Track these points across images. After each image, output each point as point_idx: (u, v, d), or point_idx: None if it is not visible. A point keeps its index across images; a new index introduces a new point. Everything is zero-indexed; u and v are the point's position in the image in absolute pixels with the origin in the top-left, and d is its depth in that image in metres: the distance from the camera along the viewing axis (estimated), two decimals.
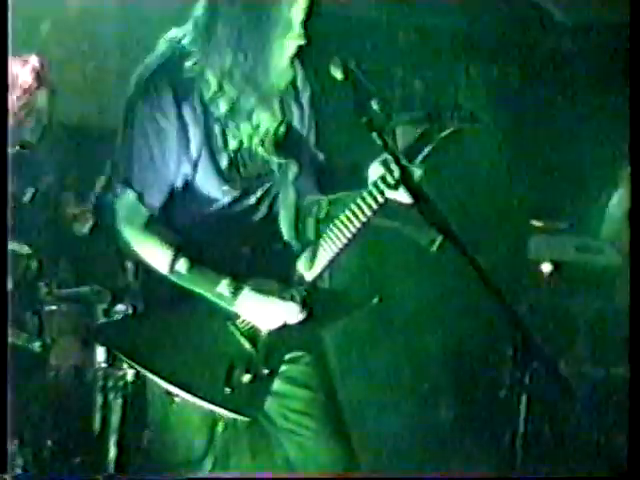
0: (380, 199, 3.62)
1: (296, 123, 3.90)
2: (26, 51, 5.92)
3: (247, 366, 3.68)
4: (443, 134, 3.71)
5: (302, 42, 3.62)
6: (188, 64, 3.63)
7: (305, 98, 3.92)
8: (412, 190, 3.44)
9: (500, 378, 5.46)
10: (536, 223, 6.99)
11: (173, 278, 3.64)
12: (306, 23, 3.62)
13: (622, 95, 7.48)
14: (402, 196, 3.60)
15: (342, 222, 3.67)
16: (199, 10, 3.65)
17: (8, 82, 4.42)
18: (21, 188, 5.26)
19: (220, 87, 3.64)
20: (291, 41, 3.61)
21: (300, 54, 3.68)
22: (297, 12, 3.58)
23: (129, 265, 3.89)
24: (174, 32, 3.73)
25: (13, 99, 5.52)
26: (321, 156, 4.03)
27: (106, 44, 6.44)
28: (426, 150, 3.67)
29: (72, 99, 5.93)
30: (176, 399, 3.69)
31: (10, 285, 4.92)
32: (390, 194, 3.62)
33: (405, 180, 3.50)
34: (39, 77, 5.61)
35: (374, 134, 3.41)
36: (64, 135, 5.72)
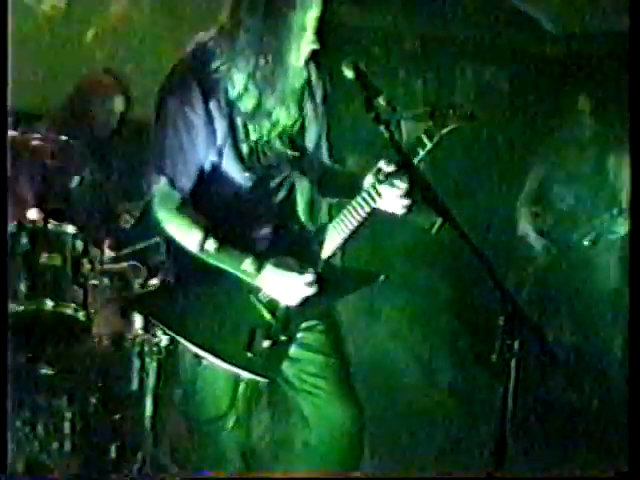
0: (372, 204, 3.62)
1: (311, 119, 3.85)
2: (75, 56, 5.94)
3: (267, 333, 3.67)
4: (444, 131, 3.67)
5: (316, 46, 3.58)
6: (214, 66, 3.60)
7: (319, 96, 3.86)
8: (414, 178, 3.42)
9: (492, 345, 5.41)
10: (534, 209, 6.94)
11: (202, 256, 3.62)
12: (320, 29, 3.58)
13: (606, 99, 7.50)
14: (392, 206, 3.66)
15: (353, 207, 3.66)
16: (223, 17, 3.62)
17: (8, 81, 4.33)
18: (70, 176, 5.25)
19: (245, 87, 3.61)
20: (306, 45, 3.57)
21: (315, 57, 3.64)
22: (311, 19, 3.54)
23: (163, 242, 3.85)
24: (201, 36, 3.71)
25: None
26: (329, 162, 3.98)
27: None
28: (429, 145, 3.63)
29: None
30: (203, 362, 3.71)
31: (58, 261, 4.93)
32: (380, 201, 3.62)
33: (407, 169, 3.48)
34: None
35: (381, 127, 3.38)
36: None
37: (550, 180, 6.60)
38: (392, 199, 3.63)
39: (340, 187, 3.88)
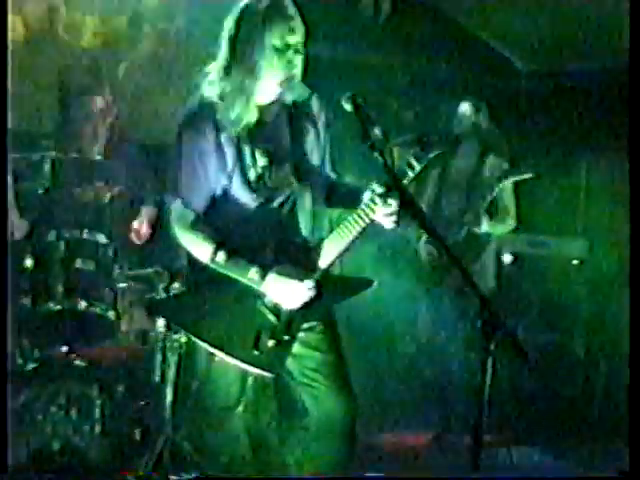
0: (369, 217, 3.59)
1: (313, 145, 3.82)
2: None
3: (272, 334, 3.64)
4: (431, 155, 3.66)
5: (301, 55, 3.59)
6: (221, 100, 3.61)
7: (321, 124, 3.83)
8: (404, 198, 3.39)
9: (471, 345, 5.38)
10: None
11: (213, 266, 3.60)
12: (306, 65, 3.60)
13: (570, 126, 7.50)
14: (384, 220, 3.61)
15: (349, 223, 3.63)
16: (223, 54, 3.63)
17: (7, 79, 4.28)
18: (103, 191, 5.22)
19: (239, 111, 3.59)
20: (295, 56, 3.58)
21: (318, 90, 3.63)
22: (297, 34, 3.56)
23: (183, 253, 3.83)
24: (208, 70, 3.69)
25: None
26: (333, 175, 3.94)
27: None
28: (418, 167, 3.61)
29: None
30: (216, 358, 3.68)
31: (91, 266, 4.90)
32: (374, 215, 3.58)
33: (399, 190, 3.44)
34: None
35: (376, 154, 3.36)
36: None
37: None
38: (384, 215, 3.59)
39: (345, 199, 3.83)
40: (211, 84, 3.64)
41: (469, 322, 5.10)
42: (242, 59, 3.56)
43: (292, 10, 3.58)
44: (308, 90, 3.71)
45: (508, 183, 5.92)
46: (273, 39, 3.53)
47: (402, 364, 5.99)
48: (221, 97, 3.60)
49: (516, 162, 5.96)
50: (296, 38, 3.57)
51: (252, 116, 3.63)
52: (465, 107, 6.05)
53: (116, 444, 4.69)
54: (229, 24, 3.62)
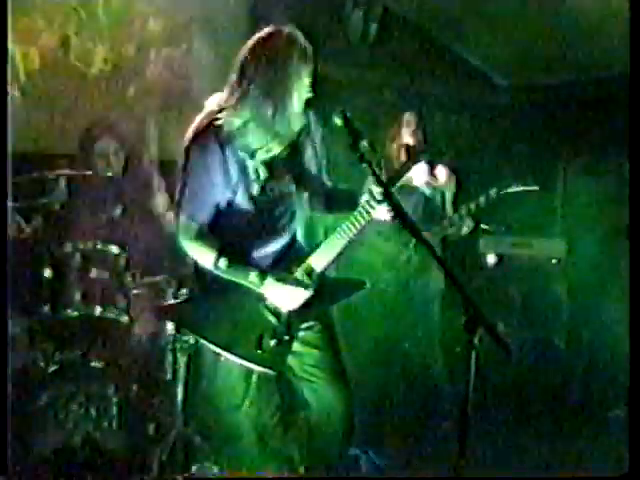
0: (367, 217, 3.61)
1: (310, 157, 3.82)
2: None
3: (273, 334, 3.66)
4: (419, 163, 3.74)
5: (311, 95, 3.58)
6: (227, 119, 3.59)
7: (318, 138, 3.83)
8: (393, 205, 3.39)
9: (456, 339, 5.38)
10: (484, 227, 6.93)
11: (217, 272, 3.61)
12: (314, 81, 3.57)
13: (547, 136, 7.52)
14: (385, 215, 3.59)
15: (343, 230, 3.65)
16: (233, 77, 3.60)
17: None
18: (112, 206, 5.23)
19: (248, 132, 3.59)
20: (303, 95, 3.57)
21: (311, 105, 3.62)
22: (306, 73, 3.55)
23: (189, 262, 3.83)
24: (217, 95, 3.68)
25: None
26: (329, 184, 3.95)
27: None
28: (405, 177, 3.67)
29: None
30: (222, 358, 3.69)
31: (106, 275, 4.91)
32: (374, 214, 3.61)
33: (388, 199, 3.44)
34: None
35: (364, 165, 3.36)
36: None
37: None
38: (383, 211, 3.59)
39: (342, 203, 3.83)
40: (224, 111, 3.61)
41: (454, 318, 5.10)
42: (258, 90, 3.53)
43: (309, 50, 3.57)
44: (306, 118, 3.68)
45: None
46: (292, 78, 3.52)
47: (389, 358, 5.98)
48: (237, 126, 3.59)
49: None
50: (310, 77, 3.57)
51: (272, 146, 3.65)
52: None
53: (132, 438, 4.69)
54: (244, 55, 3.59)
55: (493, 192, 5.79)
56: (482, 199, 5.80)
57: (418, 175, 3.67)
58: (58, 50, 6.19)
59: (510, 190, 5.86)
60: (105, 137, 5.45)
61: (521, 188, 5.87)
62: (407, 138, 5.85)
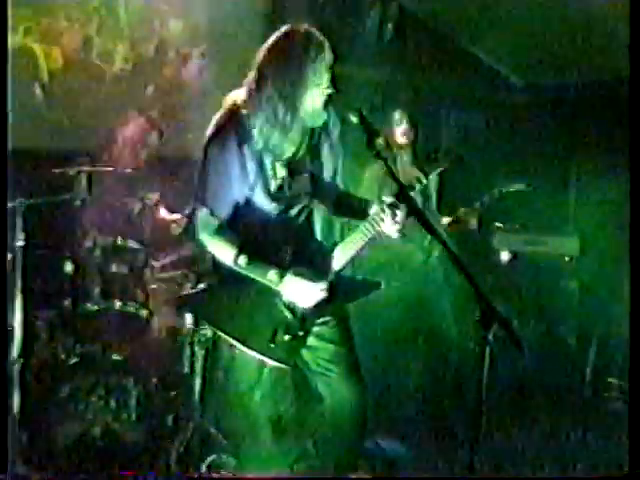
0: (376, 228, 3.63)
1: (327, 155, 3.82)
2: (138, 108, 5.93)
3: (287, 329, 3.67)
4: (438, 170, 3.72)
5: (331, 91, 3.56)
6: (245, 117, 3.60)
7: (335, 136, 3.82)
8: (411, 207, 3.40)
9: (471, 335, 5.38)
10: (498, 225, 6.94)
11: (236, 268, 3.62)
12: (333, 76, 3.57)
13: (561, 135, 7.51)
14: (390, 230, 3.65)
15: (360, 231, 3.67)
16: (250, 77, 3.61)
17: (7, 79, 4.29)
18: (132, 202, 5.24)
19: (267, 130, 3.59)
20: (323, 91, 3.55)
21: (330, 102, 3.60)
22: (325, 69, 3.53)
23: (207, 256, 3.84)
24: (235, 93, 3.69)
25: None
26: (342, 186, 3.94)
27: None
28: (425, 181, 3.67)
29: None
30: (237, 351, 3.69)
31: (125, 270, 4.93)
32: (382, 227, 3.63)
33: (405, 200, 3.48)
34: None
35: (381, 162, 3.37)
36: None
37: None
38: (391, 226, 3.62)
39: (352, 210, 3.85)
40: (242, 109, 3.62)
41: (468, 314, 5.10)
42: (276, 89, 3.53)
43: (326, 47, 3.56)
44: (326, 115, 3.66)
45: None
46: (311, 76, 3.52)
47: (405, 355, 5.98)
48: (255, 124, 3.59)
49: None
50: (329, 74, 3.56)
51: (290, 144, 3.66)
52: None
53: (150, 429, 4.71)
54: (262, 54, 3.59)
55: (496, 191, 5.84)
56: (486, 198, 5.84)
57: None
58: (80, 49, 6.23)
59: (510, 189, 5.91)
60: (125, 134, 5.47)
61: (521, 187, 5.91)
62: (399, 137, 5.84)
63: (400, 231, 3.64)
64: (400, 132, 5.84)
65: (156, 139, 5.67)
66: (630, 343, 3.77)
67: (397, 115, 5.91)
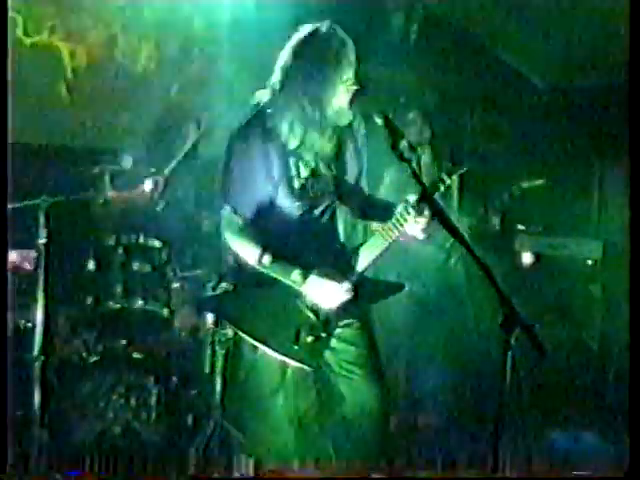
0: (400, 229, 3.60)
1: (352, 156, 3.81)
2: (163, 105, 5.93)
3: (310, 330, 3.64)
4: (461, 171, 3.70)
5: (357, 87, 3.55)
6: (270, 116, 3.60)
7: (360, 136, 3.81)
8: (435, 208, 3.37)
9: (493, 340, 5.34)
10: (520, 227, 6.91)
11: (260, 268, 3.60)
12: (357, 72, 3.55)
13: (584, 137, 7.46)
14: (414, 230, 3.62)
15: (384, 232, 3.63)
16: (275, 77, 3.61)
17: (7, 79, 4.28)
18: (156, 202, 5.23)
19: (291, 129, 3.58)
20: (348, 88, 3.54)
21: (355, 100, 3.58)
22: (349, 66, 3.53)
23: (229, 256, 3.83)
24: (261, 93, 3.68)
25: None
26: (367, 189, 3.92)
27: None
28: (448, 181, 3.63)
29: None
30: (259, 351, 3.67)
31: (147, 269, 4.92)
32: (406, 227, 3.60)
33: (429, 201, 3.44)
34: None
35: (404, 164, 3.34)
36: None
37: None
38: (415, 226, 3.59)
39: (377, 212, 3.83)
40: (267, 108, 3.62)
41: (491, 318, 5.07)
42: (300, 88, 3.53)
43: (349, 44, 3.56)
44: (351, 114, 3.65)
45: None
46: (335, 73, 3.51)
47: (427, 356, 5.95)
48: (279, 123, 3.59)
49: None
50: (352, 71, 3.55)
51: (314, 143, 3.64)
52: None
53: (170, 428, 4.72)
54: (286, 54, 3.59)
55: (516, 187, 5.81)
56: (506, 196, 5.82)
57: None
58: (105, 48, 6.25)
59: (531, 185, 5.88)
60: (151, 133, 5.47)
61: (540, 183, 5.88)
62: (413, 137, 5.82)
63: (425, 231, 3.61)
64: (414, 133, 5.83)
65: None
66: (630, 343, 3.73)
67: (411, 116, 5.90)
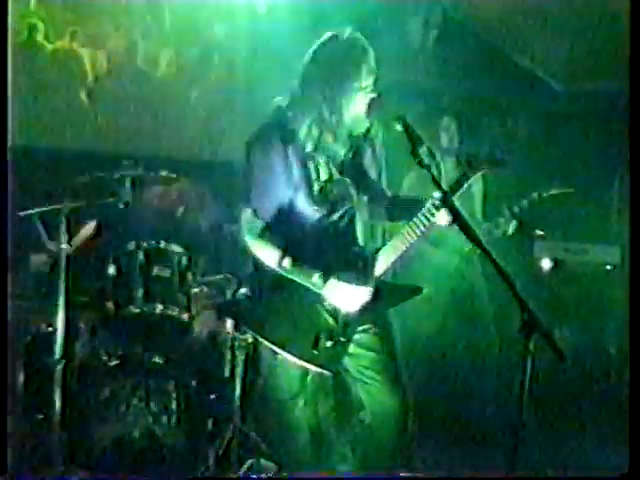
0: (427, 224, 3.58)
1: (370, 161, 3.81)
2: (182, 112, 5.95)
3: (329, 335, 3.62)
4: (479, 174, 3.68)
5: (374, 95, 3.57)
6: (290, 120, 3.62)
7: (378, 141, 3.82)
8: (452, 211, 3.36)
9: (512, 345, 5.33)
10: (539, 232, 6.88)
11: (280, 271, 3.59)
12: (376, 82, 3.57)
13: (603, 142, 7.43)
14: (444, 221, 3.58)
15: (403, 235, 3.63)
16: (295, 82, 3.62)
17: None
18: (175, 206, 5.25)
19: (309, 132, 3.59)
20: (366, 95, 3.57)
21: (372, 108, 3.60)
22: (368, 73, 3.55)
23: (249, 261, 3.83)
24: (279, 99, 3.70)
25: None
26: (388, 192, 3.93)
27: None
28: (466, 185, 3.63)
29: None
30: (278, 356, 3.67)
31: (167, 273, 4.93)
32: (434, 219, 3.57)
33: (447, 206, 3.42)
34: None
35: (424, 170, 3.34)
36: None
37: None
38: (444, 218, 3.58)
39: (404, 211, 3.78)
40: (287, 112, 3.64)
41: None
42: (320, 93, 3.55)
43: (370, 51, 3.57)
44: (368, 122, 3.67)
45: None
46: (354, 80, 3.53)
47: (445, 363, 5.94)
48: (299, 127, 3.60)
49: None
50: (372, 78, 3.57)
51: (333, 147, 3.65)
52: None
53: (190, 433, 4.68)
54: (307, 60, 3.61)
55: (535, 195, 5.80)
56: (525, 201, 5.80)
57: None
58: (125, 54, 6.28)
59: (549, 193, 5.86)
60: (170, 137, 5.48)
61: (558, 190, 5.86)
62: (446, 142, 5.82)
63: (452, 223, 3.56)
64: (447, 138, 5.83)
65: None
66: (630, 343, 3.71)
67: (445, 121, 5.90)
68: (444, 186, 3.45)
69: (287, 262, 3.57)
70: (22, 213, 4.48)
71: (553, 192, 5.96)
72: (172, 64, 6.47)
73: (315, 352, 3.60)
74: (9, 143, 4.12)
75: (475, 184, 5.91)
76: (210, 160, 5.78)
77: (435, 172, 3.39)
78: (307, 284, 3.61)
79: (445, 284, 5.82)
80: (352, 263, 3.70)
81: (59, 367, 4.37)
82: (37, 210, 4.46)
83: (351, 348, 3.72)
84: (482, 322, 5.99)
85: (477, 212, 6.05)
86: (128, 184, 4.77)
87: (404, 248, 3.65)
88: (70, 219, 4.40)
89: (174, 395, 4.73)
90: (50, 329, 4.58)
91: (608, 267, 6.87)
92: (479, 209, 6.07)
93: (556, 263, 7.02)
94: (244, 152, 3.67)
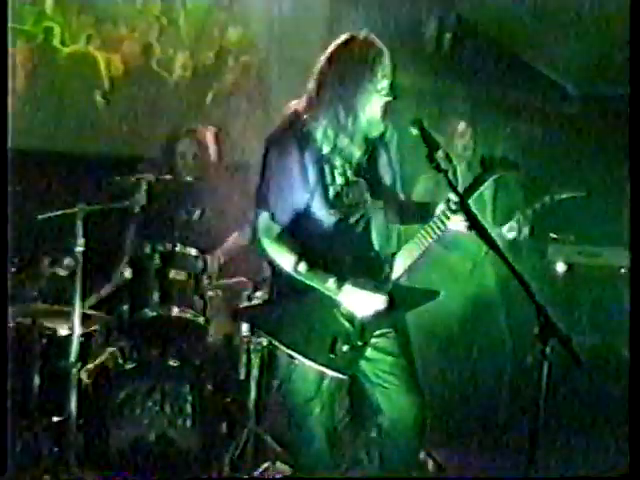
0: (442, 227, 3.57)
1: (385, 165, 3.80)
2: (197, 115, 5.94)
3: (346, 339, 3.60)
4: (494, 177, 3.67)
5: (390, 98, 3.55)
6: (305, 123, 3.59)
7: (393, 145, 3.80)
8: (468, 215, 3.35)
9: (528, 350, 5.31)
10: (553, 236, 6.86)
11: (295, 275, 3.57)
12: (392, 84, 3.55)
13: (616, 145, 7.40)
14: (458, 226, 3.55)
15: (418, 239, 3.62)
16: (311, 85, 3.60)
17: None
18: (192, 209, 5.25)
19: (325, 134, 3.57)
20: (381, 98, 3.55)
21: (388, 111, 3.59)
22: (384, 77, 3.52)
23: (266, 264, 3.83)
24: (295, 102, 3.68)
25: None
26: (402, 195, 3.91)
27: None
28: (481, 188, 3.63)
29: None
30: (295, 361, 3.64)
31: (183, 277, 4.93)
32: (449, 223, 3.56)
33: (463, 209, 3.39)
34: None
35: (441, 175, 3.32)
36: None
37: None
38: (458, 222, 3.55)
39: (416, 215, 3.79)
40: (302, 114, 3.61)
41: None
42: (336, 96, 3.52)
43: (386, 54, 3.55)
44: (383, 126, 3.66)
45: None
46: (370, 83, 3.51)
47: (460, 367, 5.93)
48: (315, 131, 3.58)
49: None
50: (388, 81, 3.54)
51: (349, 151, 3.63)
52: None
53: (205, 436, 4.68)
54: (323, 62, 3.58)
55: (547, 198, 5.79)
56: (537, 205, 5.79)
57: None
58: (140, 57, 6.29)
59: (562, 197, 5.84)
60: (185, 141, 5.46)
61: (571, 194, 5.85)
62: (461, 148, 5.82)
63: (469, 228, 3.56)
64: (462, 144, 5.82)
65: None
66: (630, 343, 3.69)
67: (461, 127, 5.89)
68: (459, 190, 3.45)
69: (303, 267, 3.55)
70: (40, 216, 4.49)
71: (566, 195, 5.94)
72: (187, 67, 6.48)
73: (331, 356, 3.58)
74: (21, 147, 4.12)
75: (486, 188, 5.89)
76: (228, 163, 5.76)
77: (451, 176, 3.38)
78: (322, 289, 3.59)
79: (459, 288, 5.80)
80: (368, 268, 3.68)
81: (75, 370, 4.39)
82: (54, 213, 4.47)
83: (369, 352, 3.70)
84: (496, 326, 5.96)
85: (487, 216, 6.02)
86: (144, 188, 4.78)
87: (420, 252, 3.64)
88: (87, 222, 4.41)
89: (189, 398, 4.73)
90: (66, 332, 4.59)
91: (622, 270, 6.84)
92: (489, 213, 6.05)
93: (570, 267, 7.00)
94: (260, 155, 3.65)
